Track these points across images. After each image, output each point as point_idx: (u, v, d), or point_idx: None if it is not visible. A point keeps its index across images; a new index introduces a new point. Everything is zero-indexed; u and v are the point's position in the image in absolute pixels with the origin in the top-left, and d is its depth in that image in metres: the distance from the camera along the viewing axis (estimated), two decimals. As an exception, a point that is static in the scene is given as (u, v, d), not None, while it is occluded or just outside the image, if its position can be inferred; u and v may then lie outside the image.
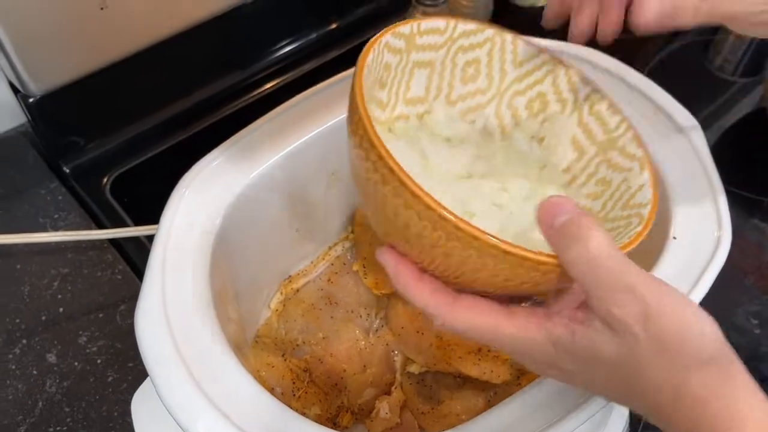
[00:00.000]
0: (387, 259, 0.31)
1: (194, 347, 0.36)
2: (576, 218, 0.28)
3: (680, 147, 0.45)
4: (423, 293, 0.31)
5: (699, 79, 0.79)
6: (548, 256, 0.28)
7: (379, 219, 0.31)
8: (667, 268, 0.39)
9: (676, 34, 0.82)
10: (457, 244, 0.27)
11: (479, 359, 0.45)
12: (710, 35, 0.81)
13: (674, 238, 0.40)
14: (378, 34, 0.33)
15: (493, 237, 0.27)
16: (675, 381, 0.27)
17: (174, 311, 0.37)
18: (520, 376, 0.46)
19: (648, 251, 0.41)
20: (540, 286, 0.30)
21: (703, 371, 0.27)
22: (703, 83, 0.79)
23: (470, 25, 0.37)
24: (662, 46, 0.80)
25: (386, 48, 0.33)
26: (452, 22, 0.37)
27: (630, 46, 0.76)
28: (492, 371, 0.44)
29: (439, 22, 0.36)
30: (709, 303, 0.39)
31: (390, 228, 0.30)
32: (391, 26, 0.34)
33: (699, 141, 0.45)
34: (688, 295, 0.38)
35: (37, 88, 0.57)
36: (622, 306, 0.27)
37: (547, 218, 0.29)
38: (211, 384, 0.34)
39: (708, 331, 0.27)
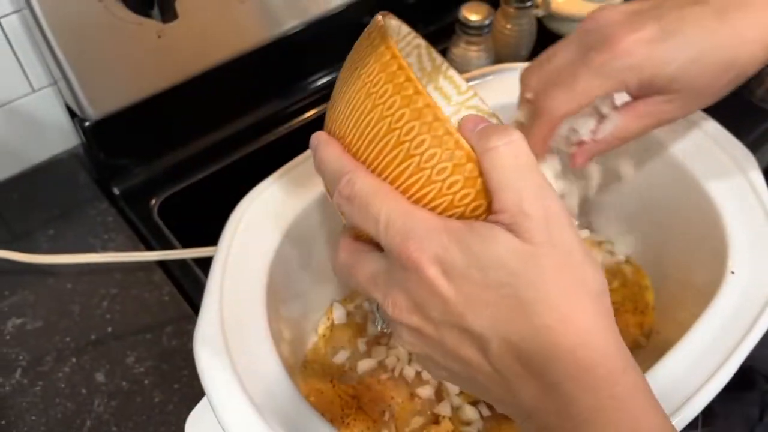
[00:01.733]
0: (319, 136, 0.32)
1: (252, 372, 0.36)
2: (496, 125, 0.29)
3: (736, 180, 0.44)
4: (338, 152, 0.31)
5: (740, 110, 0.79)
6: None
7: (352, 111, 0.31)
8: (725, 303, 0.39)
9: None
10: (427, 137, 0.28)
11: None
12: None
13: (732, 272, 0.40)
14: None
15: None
16: (570, 304, 0.26)
17: (232, 335, 0.38)
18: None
19: (706, 286, 0.40)
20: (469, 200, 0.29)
21: (598, 303, 0.27)
22: (745, 114, 0.78)
23: None
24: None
25: None
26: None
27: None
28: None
29: None
30: (769, 339, 0.38)
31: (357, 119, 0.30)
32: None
33: (755, 174, 0.45)
34: (750, 330, 0.37)
35: (94, 112, 0.59)
36: (532, 207, 0.27)
37: (469, 124, 0.29)
38: (269, 409, 0.35)
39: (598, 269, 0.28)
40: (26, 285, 0.58)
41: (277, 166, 0.47)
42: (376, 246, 0.31)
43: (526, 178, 0.28)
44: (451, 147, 0.28)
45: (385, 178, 0.30)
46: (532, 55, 0.76)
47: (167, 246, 0.61)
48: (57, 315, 0.56)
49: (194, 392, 0.51)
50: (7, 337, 0.55)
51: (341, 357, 0.49)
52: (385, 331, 0.35)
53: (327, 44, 0.72)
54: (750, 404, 0.51)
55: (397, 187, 0.29)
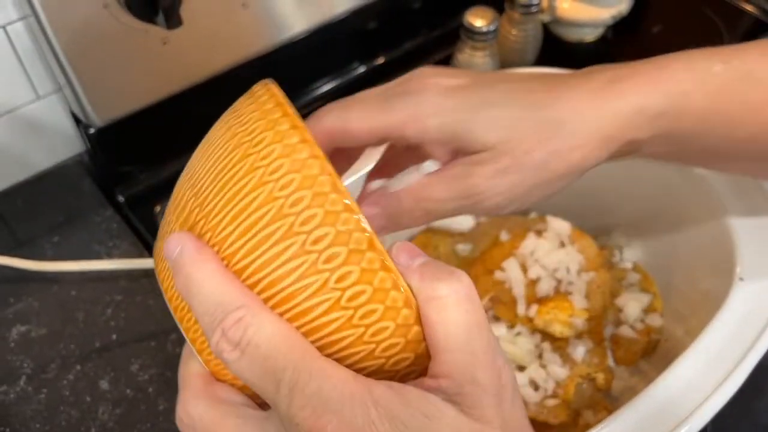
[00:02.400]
0: (183, 239, 0.23)
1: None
2: (438, 263, 0.24)
3: (744, 187, 0.44)
4: (220, 270, 0.23)
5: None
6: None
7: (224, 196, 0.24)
8: (734, 310, 0.39)
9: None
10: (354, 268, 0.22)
11: (536, 398, 0.44)
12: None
13: (741, 279, 0.40)
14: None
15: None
16: None
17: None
18: (578, 417, 0.45)
19: (714, 293, 0.40)
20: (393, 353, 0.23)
21: None
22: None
23: None
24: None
25: None
26: None
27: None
28: (549, 411, 0.44)
29: None
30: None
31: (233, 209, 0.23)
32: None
33: (763, 180, 0.44)
34: (759, 337, 0.37)
35: (99, 119, 0.59)
36: (485, 375, 0.22)
37: (403, 256, 0.24)
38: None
39: None
40: (31, 292, 0.58)
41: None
42: (255, 396, 0.24)
43: (479, 337, 0.23)
44: (387, 285, 0.22)
45: (273, 306, 0.23)
46: (538, 60, 0.76)
47: (172, 253, 0.61)
48: (61, 322, 0.56)
49: (199, 400, 0.51)
50: (12, 345, 0.54)
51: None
52: None
53: (331, 50, 0.72)
54: (760, 412, 0.50)
55: (297, 324, 0.23)
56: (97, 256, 0.60)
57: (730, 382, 0.36)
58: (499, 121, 0.31)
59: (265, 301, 0.23)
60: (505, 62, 0.73)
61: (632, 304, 0.50)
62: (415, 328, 0.23)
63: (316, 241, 0.22)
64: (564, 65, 0.53)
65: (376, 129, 0.32)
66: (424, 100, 0.31)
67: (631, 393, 0.36)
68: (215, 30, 0.61)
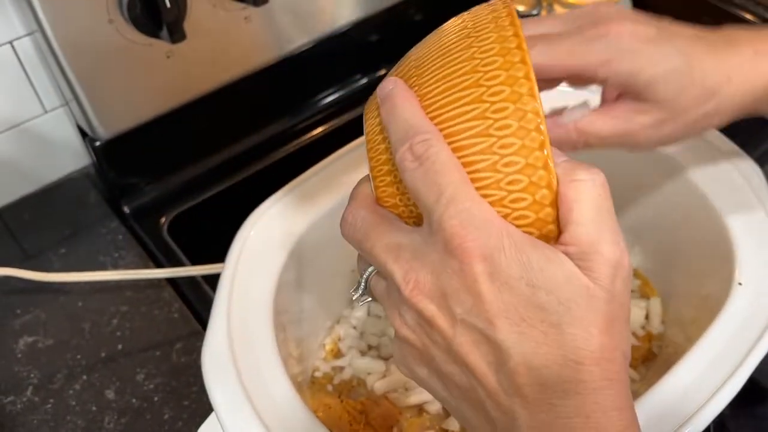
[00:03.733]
0: (397, 82, 0.29)
1: (260, 387, 0.36)
2: (580, 161, 0.27)
3: (743, 193, 0.44)
4: (418, 107, 0.28)
5: (748, 123, 0.79)
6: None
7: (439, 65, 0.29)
8: (733, 314, 0.39)
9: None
10: (517, 142, 0.26)
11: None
12: (759, 79, 0.81)
13: (740, 284, 0.40)
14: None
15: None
16: (608, 353, 0.26)
17: (240, 349, 0.38)
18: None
19: (714, 298, 0.40)
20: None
21: (626, 364, 0.27)
22: (753, 128, 0.78)
23: None
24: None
25: None
26: None
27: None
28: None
29: None
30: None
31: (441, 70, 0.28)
32: None
33: (762, 187, 0.44)
34: (758, 341, 0.37)
35: (105, 132, 0.60)
36: (608, 249, 0.26)
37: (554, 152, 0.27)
38: (276, 424, 0.35)
39: None
40: (38, 303, 0.58)
41: (286, 183, 0.48)
42: (406, 224, 0.29)
43: (608, 219, 0.26)
44: (538, 165, 0.26)
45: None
46: (538, 70, 0.77)
47: (177, 264, 0.61)
48: (68, 333, 0.56)
49: (204, 409, 0.51)
50: (19, 356, 0.55)
51: (348, 372, 0.49)
52: (359, 303, 0.32)
53: (334, 62, 0.73)
54: (762, 418, 0.50)
55: None
56: (103, 267, 0.61)
57: (730, 384, 0.36)
58: (673, 80, 0.36)
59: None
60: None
61: (634, 311, 0.50)
62: (548, 209, 0.26)
63: (495, 111, 0.26)
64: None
65: (574, 67, 0.36)
66: (621, 47, 0.36)
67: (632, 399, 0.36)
68: (218, 43, 0.62)
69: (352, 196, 0.31)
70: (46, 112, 0.63)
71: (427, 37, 0.31)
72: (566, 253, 0.26)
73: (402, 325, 0.28)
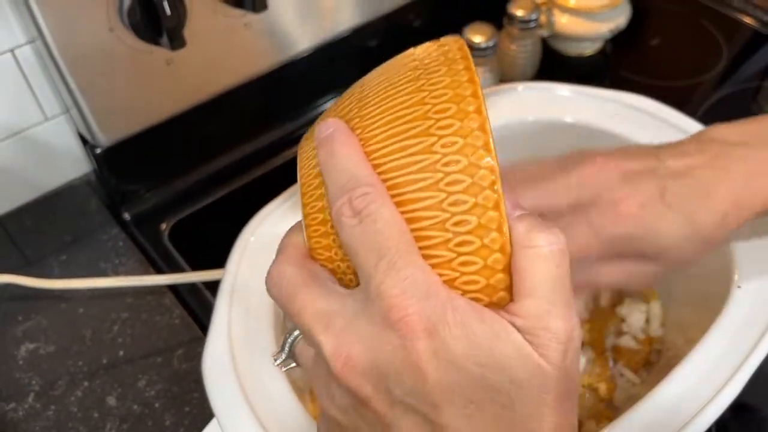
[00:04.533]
0: (337, 124, 0.26)
1: (260, 392, 0.37)
2: (538, 218, 0.25)
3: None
4: (360, 154, 0.25)
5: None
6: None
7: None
8: (732, 318, 0.39)
9: (724, 81, 0.82)
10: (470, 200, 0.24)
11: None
12: (760, 81, 0.81)
13: (739, 287, 0.40)
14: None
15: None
16: None
17: (239, 355, 0.38)
18: (581, 427, 0.45)
19: (714, 301, 0.40)
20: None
21: None
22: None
23: None
24: (710, 93, 0.81)
25: None
26: None
27: (678, 93, 0.77)
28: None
29: None
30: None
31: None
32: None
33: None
34: (758, 343, 0.37)
35: (105, 139, 0.60)
36: (559, 325, 0.24)
37: (509, 207, 0.25)
38: (277, 430, 0.35)
39: None
40: (39, 310, 0.58)
41: (286, 189, 0.48)
42: (340, 281, 0.26)
43: (561, 291, 0.24)
44: (492, 226, 0.24)
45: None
46: (538, 75, 0.77)
47: (178, 270, 0.61)
48: (69, 339, 0.56)
49: (205, 415, 0.51)
50: (21, 362, 0.55)
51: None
52: (282, 369, 0.29)
53: (334, 69, 0.73)
54: (763, 422, 0.50)
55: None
56: (104, 274, 0.61)
57: (729, 387, 0.36)
58: (679, 240, 0.36)
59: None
60: (505, 77, 0.74)
61: (634, 315, 0.50)
62: (500, 275, 0.24)
63: (446, 164, 0.24)
64: (564, 79, 0.53)
65: (583, 248, 0.35)
66: (629, 225, 0.35)
67: (633, 402, 0.36)
68: (218, 50, 0.62)
69: (280, 249, 0.28)
70: (46, 119, 0.63)
71: (374, 71, 0.29)
72: (514, 325, 0.24)
73: (330, 405, 0.25)
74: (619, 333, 0.50)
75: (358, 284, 0.25)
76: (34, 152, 0.64)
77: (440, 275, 0.24)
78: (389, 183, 0.25)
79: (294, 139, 0.75)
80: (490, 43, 0.68)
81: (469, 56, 0.26)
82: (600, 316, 0.50)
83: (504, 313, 0.24)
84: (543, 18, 0.74)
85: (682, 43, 0.82)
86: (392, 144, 0.25)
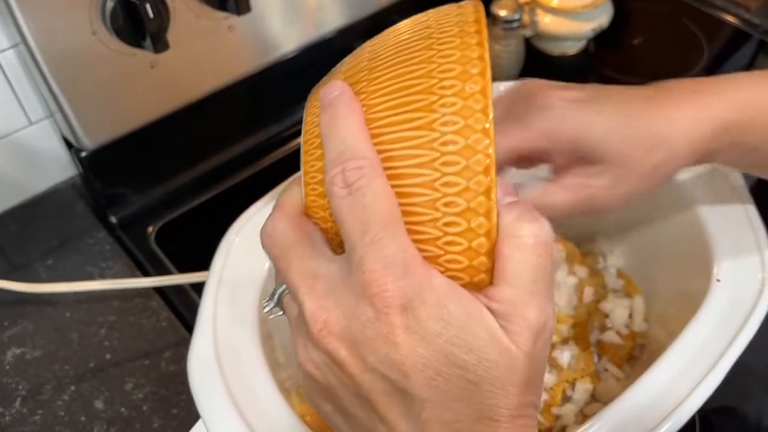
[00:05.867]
0: (344, 89, 0.26)
1: (246, 392, 0.37)
2: (529, 207, 0.26)
3: (720, 188, 0.45)
4: (360, 124, 0.26)
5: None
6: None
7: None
8: (711, 311, 0.39)
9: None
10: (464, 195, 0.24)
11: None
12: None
13: (718, 280, 0.40)
14: None
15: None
16: (520, 410, 0.25)
17: (225, 356, 0.38)
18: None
19: (694, 295, 0.41)
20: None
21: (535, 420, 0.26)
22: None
23: None
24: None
25: None
26: None
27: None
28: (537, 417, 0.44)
29: None
30: (755, 345, 0.39)
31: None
32: None
33: (738, 181, 0.45)
34: (735, 338, 0.38)
35: (90, 142, 0.60)
36: (534, 316, 0.25)
37: (500, 193, 0.26)
38: (263, 430, 0.35)
39: None
40: (26, 315, 0.58)
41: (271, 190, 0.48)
42: (332, 241, 0.27)
43: (541, 282, 0.25)
44: (480, 210, 0.24)
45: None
46: (522, 74, 0.78)
47: (164, 272, 0.61)
48: (56, 344, 0.56)
49: (192, 416, 0.51)
50: (7, 368, 0.55)
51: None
52: (270, 316, 0.30)
53: (319, 70, 0.73)
54: (748, 415, 0.51)
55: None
56: (91, 278, 0.61)
57: (709, 379, 0.36)
58: (616, 134, 0.36)
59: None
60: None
61: (618, 310, 0.51)
62: (482, 258, 0.25)
63: (444, 143, 0.24)
64: (548, 78, 0.54)
65: (516, 148, 0.36)
66: (555, 115, 0.36)
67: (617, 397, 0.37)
68: (202, 53, 0.62)
69: (277, 204, 0.29)
70: (31, 123, 0.63)
71: (389, 31, 0.29)
72: (490, 309, 0.25)
73: (307, 361, 0.26)
74: (603, 328, 0.50)
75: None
76: (19, 157, 0.64)
77: (425, 251, 0.25)
78: (386, 155, 0.25)
79: (281, 140, 0.75)
80: (474, 44, 0.69)
81: (485, 31, 0.26)
82: (584, 311, 0.51)
83: (482, 297, 0.25)
84: (526, 18, 0.75)
85: (664, 42, 0.83)
86: (394, 115, 0.25)
